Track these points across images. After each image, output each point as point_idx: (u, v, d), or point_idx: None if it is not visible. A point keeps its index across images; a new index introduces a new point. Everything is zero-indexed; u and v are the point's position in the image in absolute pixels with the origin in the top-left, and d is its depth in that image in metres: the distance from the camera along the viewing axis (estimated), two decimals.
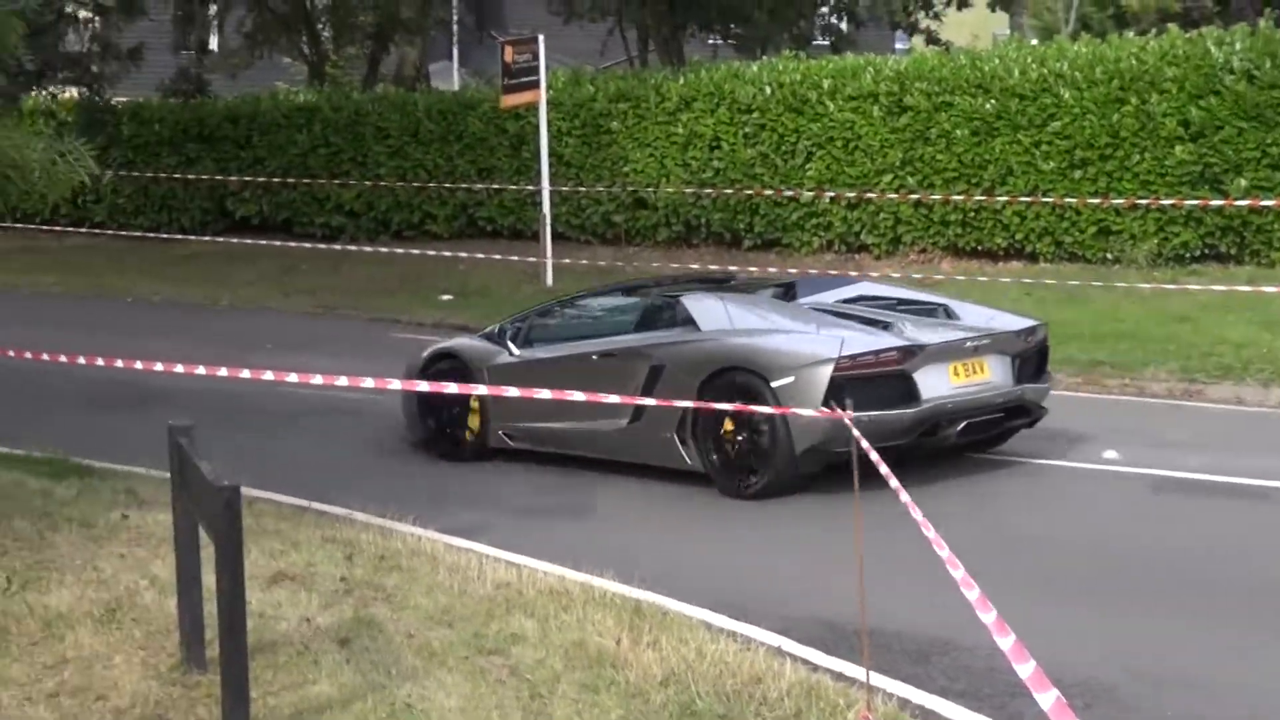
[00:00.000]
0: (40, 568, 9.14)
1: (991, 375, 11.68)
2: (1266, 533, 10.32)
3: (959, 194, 21.52)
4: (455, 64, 42.28)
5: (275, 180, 28.25)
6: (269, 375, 10.30)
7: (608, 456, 12.20)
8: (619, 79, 25.98)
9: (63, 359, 11.41)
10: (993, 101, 21.41)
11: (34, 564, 9.22)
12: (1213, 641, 8.22)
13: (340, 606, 8.48)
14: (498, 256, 24.02)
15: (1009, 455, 12.33)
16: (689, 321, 11.98)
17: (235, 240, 27.75)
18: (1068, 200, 20.66)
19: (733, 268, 20.72)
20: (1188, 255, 20.15)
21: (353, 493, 11.21)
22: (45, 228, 29.96)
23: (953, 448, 11.73)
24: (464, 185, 26.52)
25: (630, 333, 12.34)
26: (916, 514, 6.40)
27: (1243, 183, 19.58)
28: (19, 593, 8.64)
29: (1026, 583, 9.13)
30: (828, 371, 11.00)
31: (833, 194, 22.66)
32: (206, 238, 28.47)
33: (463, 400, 12.69)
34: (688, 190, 24.10)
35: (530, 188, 24.92)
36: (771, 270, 19.24)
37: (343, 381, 9.70)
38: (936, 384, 11.30)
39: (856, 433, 7.17)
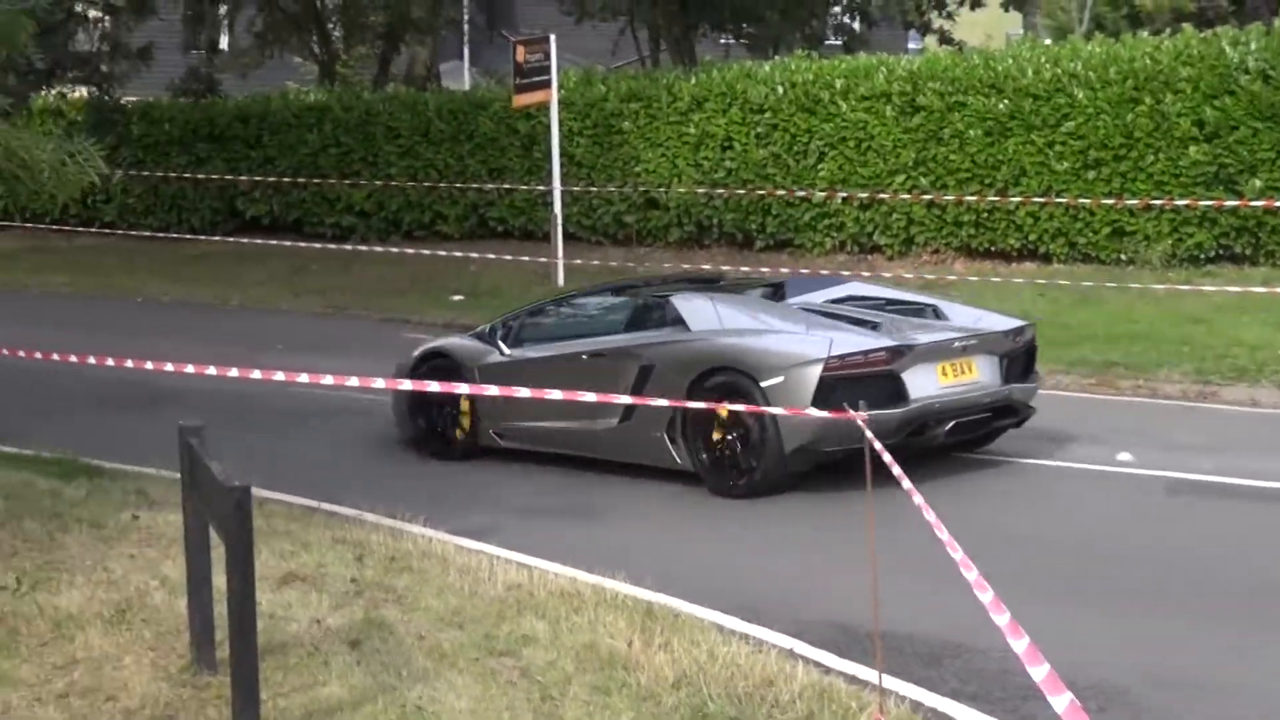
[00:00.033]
0: (50, 568, 9.12)
1: (979, 375, 11.74)
2: None
3: (972, 194, 21.47)
4: (466, 63, 42.27)
5: (286, 180, 28.24)
6: (280, 376, 10.28)
7: (598, 456, 12.24)
8: (631, 79, 25.95)
9: (73, 359, 11.39)
10: (1006, 101, 21.35)
11: (44, 564, 9.20)
12: (1227, 644, 8.17)
13: (351, 608, 8.46)
14: (509, 257, 23.99)
15: (1021, 457, 12.30)
16: (679, 321, 12.03)
17: (245, 240, 27.75)
18: (1081, 201, 20.60)
19: (745, 268, 20.68)
20: (1202, 256, 20.09)
21: (363, 494, 11.19)
22: (55, 227, 29.97)
23: (940, 447, 11.74)
24: (475, 185, 26.50)
25: (620, 333, 12.40)
26: (930, 516, 6.37)
27: (1258, 183, 19.52)
28: (29, 593, 8.62)
29: (1039, 585, 9.09)
30: (817, 371, 11.06)
31: (845, 194, 22.62)
32: (216, 238, 28.47)
33: (453, 399, 12.71)
34: (700, 190, 24.06)
35: (541, 188, 24.90)
36: (784, 271, 19.19)
37: (353, 382, 9.68)
38: (925, 384, 11.36)
39: (870, 434, 7.14)
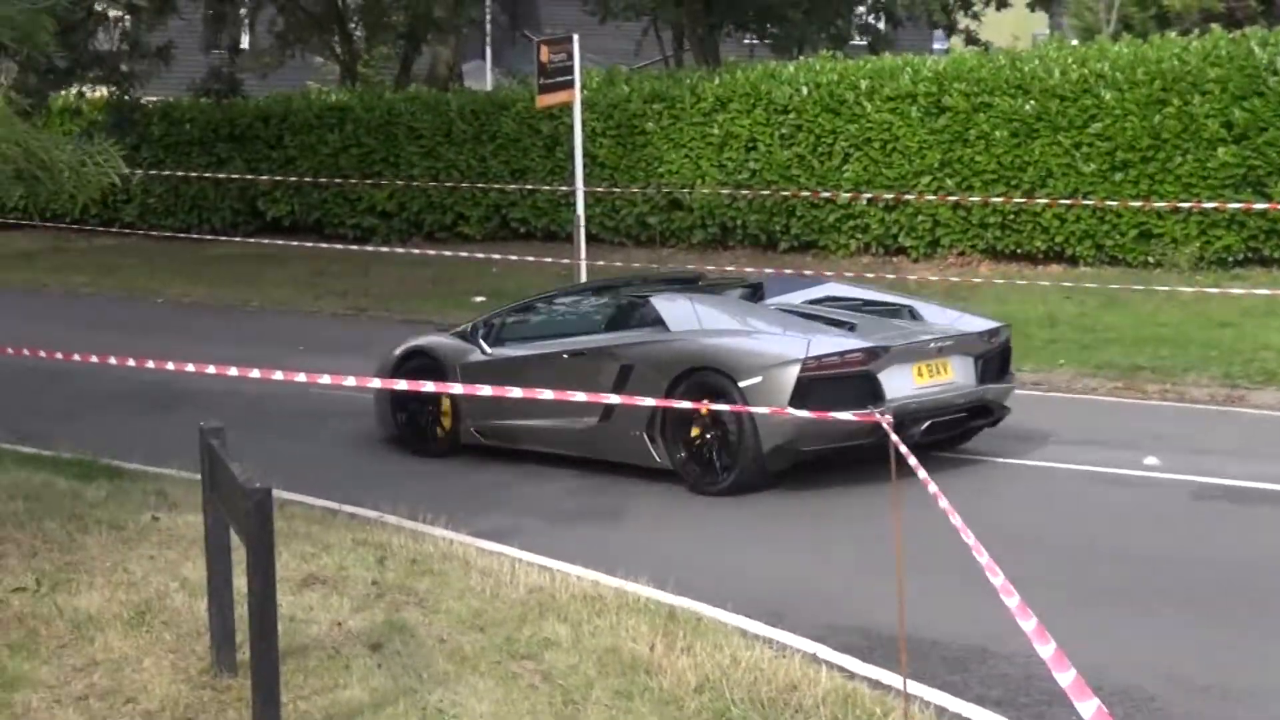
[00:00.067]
0: (70, 569, 9.10)
1: (955, 376, 11.88)
2: None
3: (998, 196, 21.37)
4: (489, 63, 42.27)
5: (307, 181, 28.23)
6: (301, 377, 10.24)
7: (579, 454, 12.37)
8: (654, 79, 25.91)
9: (93, 359, 11.37)
10: (1032, 102, 21.26)
11: (64, 566, 9.18)
12: (1254, 650, 8.11)
13: (372, 610, 8.42)
14: (531, 258, 23.92)
15: (1047, 461, 12.26)
16: (658, 322, 12.18)
17: (266, 241, 27.73)
18: (1108, 203, 20.50)
19: (768, 270, 20.61)
20: (1230, 259, 19.99)
21: (384, 495, 11.15)
22: (75, 227, 30.02)
23: (915, 447, 11.75)
24: (497, 186, 26.46)
25: (600, 332, 12.55)
26: (956, 520, 6.30)
27: None
28: (49, 594, 8.60)
29: (1064, 590, 9.03)
30: (794, 372, 11.21)
31: (870, 196, 22.54)
32: (237, 239, 28.45)
33: (434, 397, 12.80)
34: (723, 192, 24.01)
35: (564, 189, 24.84)
36: (807, 273, 19.13)
37: (375, 384, 9.66)
38: (901, 384, 11.49)
39: (895, 437, 7.09)
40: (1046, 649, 5.23)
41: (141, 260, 27.82)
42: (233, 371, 9.91)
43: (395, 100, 28.62)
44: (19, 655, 7.71)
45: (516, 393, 10.15)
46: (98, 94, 30.43)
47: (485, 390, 10.29)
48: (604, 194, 24.95)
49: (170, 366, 10.32)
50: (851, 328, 11.97)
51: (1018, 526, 10.42)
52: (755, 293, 12.97)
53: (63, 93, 29.72)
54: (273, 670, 6.39)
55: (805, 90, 23.32)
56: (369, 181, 27.72)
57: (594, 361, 12.19)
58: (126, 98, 29.23)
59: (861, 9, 33.34)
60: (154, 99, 30.82)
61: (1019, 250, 21.64)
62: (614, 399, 10.33)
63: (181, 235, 29.17)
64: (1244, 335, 16.52)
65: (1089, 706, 4.79)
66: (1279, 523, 10.67)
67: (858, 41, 33.29)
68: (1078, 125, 20.94)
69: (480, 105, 27.41)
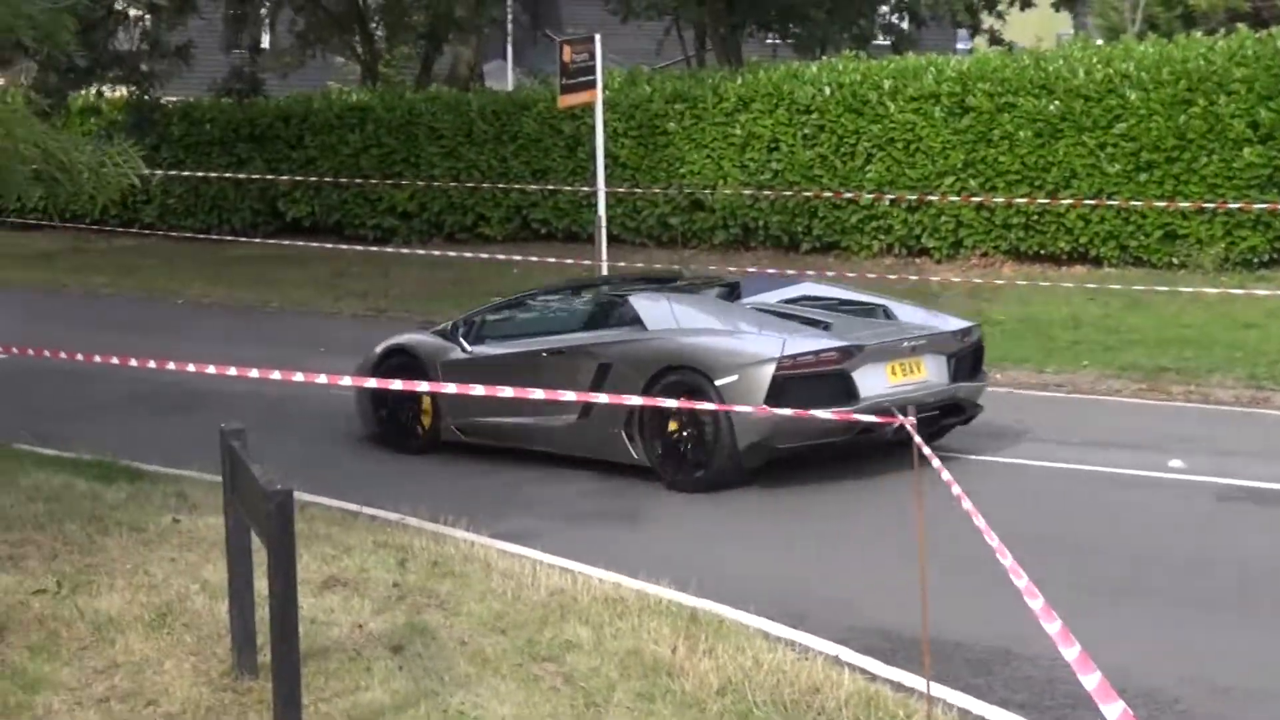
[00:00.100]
0: (90, 571, 9.09)
1: (928, 374, 12.04)
2: None
3: (1022, 197, 21.30)
4: (510, 64, 42.23)
5: (327, 181, 28.22)
6: (323, 379, 10.23)
7: (558, 451, 12.49)
8: (675, 79, 25.87)
9: (113, 360, 11.36)
10: (1057, 102, 21.19)
11: (84, 567, 9.18)
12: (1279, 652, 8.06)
13: (393, 612, 8.41)
14: (552, 259, 23.87)
15: (1071, 463, 12.21)
16: (636, 321, 12.33)
17: (286, 242, 27.74)
18: (1133, 203, 20.42)
19: (791, 271, 20.57)
20: (1255, 260, 19.91)
21: (404, 497, 11.14)
22: (95, 228, 30.07)
23: (888, 444, 11.92)
24: (518, 187, 26.44)
25: (579, 331, 12.68)
26: (980, 521, 6.27)
27: None
28: (69, 596, 8.59)
29: (1088, 592, 8.98)
30: (770, 371, 11.37)
31: (893, 196, 22.47)
32: (257, 239, 28.46)
33: (414, 394, 12.88)
34: (745, 192, 23.96)
35: (585, 189, 24.81)
36: (829, 274, 19.08)
37: (397, 385, 9.64)
38: (875, 383, 11.65)
39: (918, 438, 7.06)
40: (1071, 651, 5.19)
41: (161, 261, 27.85)
42: (253, 373, 9.91)
43: (416, 100, 28.60)
44: (40, 657, 7.70)
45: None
46: (117, 94, 30.49)
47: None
48: (625, 194, 24.91)
49: (190, 368, 10.32)
50: (827, 327, 12.16)
51: (1041, 528, 10.36)
52: (732, 292, 13.15)
53: (82, 92, 29.76)
54: (294, 672, 6.37)
55: (828, 90, 23.27)
56: (389, 182, 27.70)
57: (573, 360, 12.32)
58: (146, 97, 29.28)
59: (885, 8, 33.23)
60: (174, 99, 30.84)
61: (1043, 251, 21.57)
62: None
63: (201, 236, 29.19)
64: (1269, 336, 16.46)
65: (1114, 709, 4.75)
66: None
67: (881, 41, 33.17)
68: (1102, 125, 20.86)
69: (501, 105, 27.39)
